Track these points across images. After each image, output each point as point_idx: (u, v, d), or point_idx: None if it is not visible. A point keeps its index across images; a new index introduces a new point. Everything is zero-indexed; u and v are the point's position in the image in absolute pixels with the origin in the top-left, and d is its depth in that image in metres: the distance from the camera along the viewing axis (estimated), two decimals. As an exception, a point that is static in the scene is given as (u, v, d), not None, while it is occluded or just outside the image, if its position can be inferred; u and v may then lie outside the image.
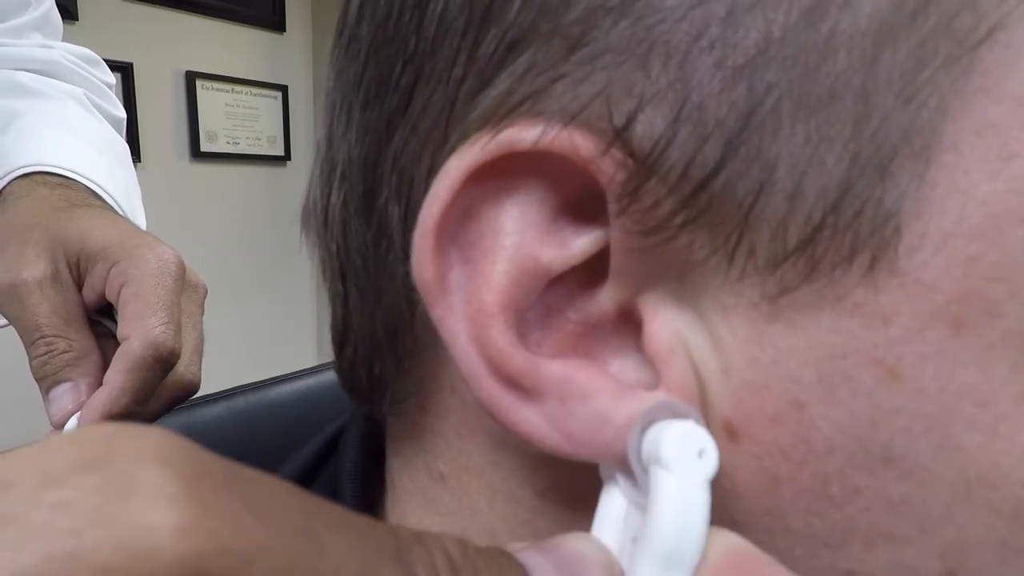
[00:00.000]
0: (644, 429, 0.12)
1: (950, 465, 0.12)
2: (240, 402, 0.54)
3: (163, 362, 0.32)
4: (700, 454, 0.12)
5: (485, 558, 0.10)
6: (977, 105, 0.11)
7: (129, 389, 0.31)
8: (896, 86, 0.11)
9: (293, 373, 0.58)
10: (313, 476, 0.23)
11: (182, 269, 0.35)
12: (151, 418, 0.34)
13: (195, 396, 0.50)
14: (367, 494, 0.20)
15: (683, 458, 0.11)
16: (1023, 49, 0.11)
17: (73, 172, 0.40)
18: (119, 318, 0.32)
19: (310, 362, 1.82)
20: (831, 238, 0.12)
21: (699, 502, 0.11)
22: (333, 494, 0.21)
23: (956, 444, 0.12)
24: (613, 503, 0.13)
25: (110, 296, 0.33)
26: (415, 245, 0.13)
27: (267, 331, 1.83)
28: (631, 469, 0.12)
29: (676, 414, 0.12)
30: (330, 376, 0.56)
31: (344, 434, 0.23)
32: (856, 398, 0.12)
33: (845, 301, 0.12)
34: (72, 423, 0.31)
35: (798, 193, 0.12)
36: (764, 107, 0.11)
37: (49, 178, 0.39)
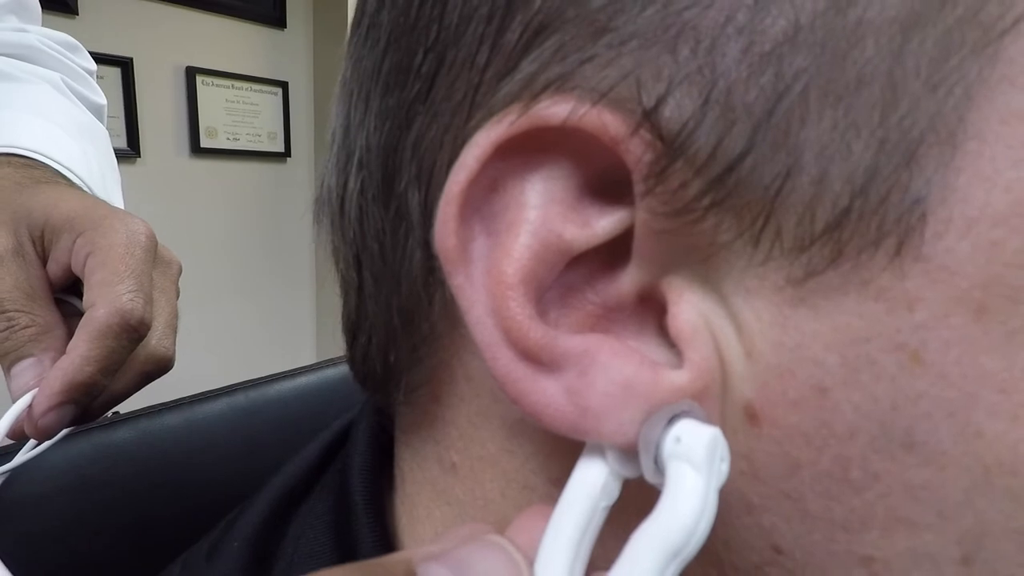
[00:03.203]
0: (670, 421, 0.12)
1: (970, 451, 0.12)
2: (241, 398, 0.54)
3: (131, 331, 0.30)
4: (722, 460, 0.12)
5: (384, 572, 0.11)
6: (1002, 94, 0.11)
7: (94, 358, 0.29)
8: (923, 73, 0.11)
9: (293, 370, 0.57)
10: (322, 471, 0.23)
11: (153, 241, 0.33)
12: (122, 393, 0.32)
13: (196, 392, 0.50)
14: (376, 489, 0.20)
15: (711, 463, 0.12)
16: None
17: (38, 153, 0.39)
18: (85, 288, 0.30)
19: (309, 359, 1.82)
20: (858, 222, 0.12)
21: (714, 505, 0.12)
22: (342, 489, 0.20)
23: (976, 430, 0.12)
24: (592, 469, 0.13)
25: (76, 267, 0.31)
26: (439, 213, 0.13)
27: (267, 328, 1.82)
28: (629, 449, 0.13)
29: (700, 417, 0.13)
30: (330, 373, 0.56)
31: (353, 429, 0.23)
32: (879, 383, 0.12)
33: (870, 286, 0.12)
34: (27, 397, 0.29)
35: (825, 178, 0.12)
36: (792, 93, 0.11)
37: (13, 159, 0.38)
